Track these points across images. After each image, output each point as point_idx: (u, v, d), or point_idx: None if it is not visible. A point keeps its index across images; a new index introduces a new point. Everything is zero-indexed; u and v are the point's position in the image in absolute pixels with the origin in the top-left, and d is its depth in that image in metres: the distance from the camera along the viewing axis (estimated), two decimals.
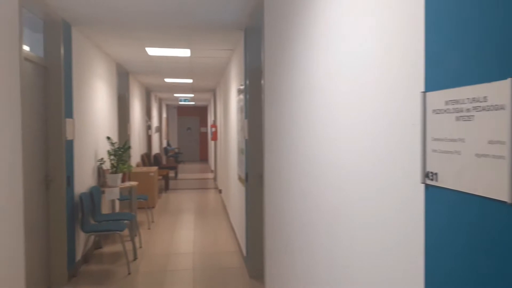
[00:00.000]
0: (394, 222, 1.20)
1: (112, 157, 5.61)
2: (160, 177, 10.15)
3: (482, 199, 0.79)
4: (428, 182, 0.97)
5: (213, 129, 11.03)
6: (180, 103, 16.68)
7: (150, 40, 5.39)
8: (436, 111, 0.91)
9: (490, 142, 0.77)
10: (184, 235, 6.20)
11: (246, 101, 4.50)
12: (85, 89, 5.08)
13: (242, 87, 5.01)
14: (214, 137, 10.98)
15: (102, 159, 5.55)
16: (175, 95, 13.93)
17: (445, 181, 0.90)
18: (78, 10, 4.00)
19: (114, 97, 6.91)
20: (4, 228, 2.82)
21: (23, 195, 3.15)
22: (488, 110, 0.76)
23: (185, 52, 6.11)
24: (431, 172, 0.95)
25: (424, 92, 0.97)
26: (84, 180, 4.96)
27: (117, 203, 6.71)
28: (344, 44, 1.62)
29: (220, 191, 10.00)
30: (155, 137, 13.66)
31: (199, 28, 4.74)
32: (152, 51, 5.97)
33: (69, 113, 4.39)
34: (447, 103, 0.88)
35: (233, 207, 6.42)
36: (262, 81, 3.63)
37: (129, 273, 4.50)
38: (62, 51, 4.11)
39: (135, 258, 5.00)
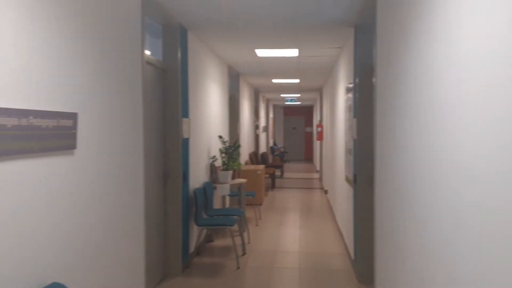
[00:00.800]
0: None
1: (223, 155, 5.85)
2: (267, 175, 10.35)
3: None
4: None
5: (319, 129, 10.89)
6: (286, 103, 16.84)
7: (260, 42, 5.49)
8: None
9: None
10: (290, 233, 6.22)
11: (355, 100, 4.32)
12: (200, 90, 5.38)
13: (350, 86, 4.83)
14: (320, 137, 10.84)
15: (214, 156, 5.83)
16: (282, 95, 14.09)
17: None
18: (194, 15, 4.23)
19: (226, 98, 7.22)
20: (127, 220, 3.09)
21: (144, 189, 3.42)
22: None
23: (293, 52, 6.11)
24: None
25: None
26: (198, 176, 5.25)
27: (227, 198, 6.99)
28: (478, 33, 1.42)
29: (325, 192, 9.83)
30: (262, 137, 14.00)
31: (308, 28, 4.69)
32: (261, 52, 6.09)
33: (185, 113, 4.67)
34: None
35: (340, 208, 6.25)
36: (373, 79, 3.44)
37: (238, 268, 4.63)
38: (179, 54, 4.39)
39: (243, 253, 5.14)
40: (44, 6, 2.06)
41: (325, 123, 9.73)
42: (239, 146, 6.00)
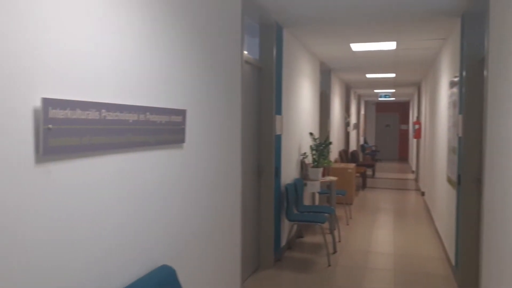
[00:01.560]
0: None
1: (314, 152, 5.84)
2: (358, 174, 10.08)
3: None
4: None
5: (416, 126, 10.31)
6: (380, 99, 16.21)
7: (355, 36, 5.37)
8: None
9: None
10: (383, 234, 6.00)
11: (462, 95, 4.02)
12: (292, 87, 5.42)
13: (456, 79, 4.50)
14: (417, 135, 10.26)
15: (305, 153, 5.84)
16: (375, 90, 13.59)
17: None
18: (290, 12, 4.27)
19: (317, 95, 7.18)
20: (226, 211, 3.24)
21: (241, 183, 3.56)
22: None
23: (390, 45, 5.87)
24: None
25: None
26: (289, 172, 5.31)
27: (316, 196, 6.96)
28: None
29: (422, 193, 9.30)
30: (352, 134, 13.65)
31: (408, 19, 4.47)
32: (356, 46, 5.94)
33: (279, 110, 4.75)
34: None
35: (439, 211, 5.86)
36: (485, 72, 3.17)
37: (329, 265, 4.60)
38: (274, 52, 4.47)
39: (334, 251, 5.09)
40: (157, 12, 2.24)
41: (424, 120, 9.19)
42: (330, 143, 5.93)
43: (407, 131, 18.94)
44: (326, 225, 6.16)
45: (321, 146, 5.77)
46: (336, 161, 9.53)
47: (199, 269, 2.77)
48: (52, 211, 1.54)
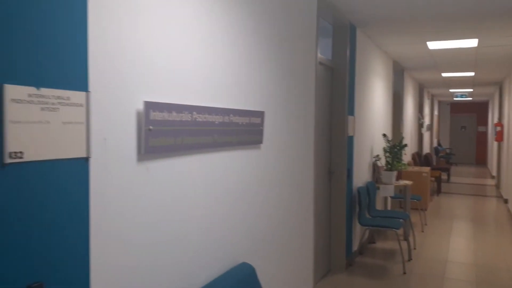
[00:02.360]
0: None
1: (387, 154, 5.66)
2: (432, 179, 9.60)
3: None
4: None
5: (498, 128, 9.61)
6: (455, 99, 15.31)
7: (432, 34, 5.13)
8: None
9: None
10: (461, 243, 5.66)
11: None
12: (365, 87, 5.30)
13: None
14: (499, 137, 9.55)
15: (377, 155, 5.68)
16: (451, 90, 12.86)
17: None
18: (364, 12, 4.19)
19: (390, 95, 6.95)
20: (299, 213, 3.25)
21: (313, 185, 3.55)
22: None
23: (471, 43, 5.53)
24: None
25: None
26: (360, 175, 5.20)
27: (388, 200, 6.74)
28: None
29: (505, 201, 8.64)
30: (426, 136, 13.03)
31: (492, 14, 4.19)
32: (434, 44, 5.68)
33: (351, 111, 4.67)
34: None
35: None
36: None
37: (404, 273, 4.44)
38: (348, 52, 4.41)
39: (409, 259, 4.90)
40: (239, 20, 2.31)
41: (507, 121, 8.54)
42: (405, 145, 5.72)
43: (485, 133, 17.69)
44: (400, 231, 5.94)
45: (396, 148, 5.58)
46: (409, 164, 9.16)
47: (274, 268, 2.81)
48: (148, 208, 1.65)
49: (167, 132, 1.69)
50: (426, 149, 13.41)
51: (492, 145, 13.51)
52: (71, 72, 1.28)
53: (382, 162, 6.13)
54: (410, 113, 9.54)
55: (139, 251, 1.59)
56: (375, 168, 5.81)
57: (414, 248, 5.35)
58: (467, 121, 18.47)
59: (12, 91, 1.10)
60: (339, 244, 4.50)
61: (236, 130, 2.25)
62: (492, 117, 13.73)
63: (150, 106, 1.58)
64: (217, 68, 2.10)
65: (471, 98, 15.90)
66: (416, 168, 8.21)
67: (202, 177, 2.00)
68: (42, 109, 1.17)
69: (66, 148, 1.25)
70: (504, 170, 9.06)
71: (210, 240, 2.07)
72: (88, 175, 1.35)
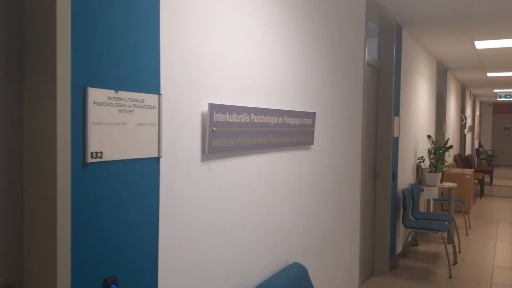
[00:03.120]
0: None
1: (432, 155, 5.50)
2: (475, 181, 9.26)
3: None
4: None
5: None
6: (499, 99, 14.70)
7: (481, 33, 4.95)
8: None
9: None
10: (507, 247, 5.44)
11: None
12: (410, 88, 5.18)
13: None
14: None
15: (422, 157, 5.54)
16: (495, 90, 12.37)
17: None
18: (413, 12, 4.09)
19: (433, 95, 6.77)
20: (347, 214, 3.21)
21: (361, 186, 3.50)
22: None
23: None
24: None
25: None
26: (404, 177, 5.08)
27: (431, 203, 6.56)
28: None
29: None
30: (467, 137, 12.59)
31: None
32: (482, 44, 5.48)
33: (397, 112, 4.57)
34: None
35: None
36: None
37: (450, 277, 4.31)
38: (394, 52, 4.32)
39: (455, 262, 4.75)
40: (293, 25, 2.31)
41: None
42: (450, 147, 5.54)
43: None
44: (444, 234, 5.77)
45: (441, 149, 5.42)
46: (452, 166, 8.88)
47: (322, 268, 2.79)
48: (209, 206, 1.67)
49: (228, 133, 1.71)
50: (468, 150, 12.97)
51: None
52: (145, 76, 1.32)
53: (425, 164, 5.97)
54: (452, 113, 9.25)
55: (201, 247, 1.62)
56: (418, 169, 5.67)
57: (459, 252, 5.19)
58: (511, 121, 17.71)
59: (94, 94, 1.14)
60: (383, 246, 4.42)
61: (289, 131, 2.25)
62: None
63: (214, 108, 1.60)
64: (272, 70, 2.10)
65: None
66: (459, 170, 7.95)
67: (257, 178, 2.01)
68: (120, 111, 1.22)
69: (140, 149, 1.28)
70: None
71: (265, 239, 2.08)
72: (159, 175, 1.39)
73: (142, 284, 1.34)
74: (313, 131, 2.53)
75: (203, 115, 1.59)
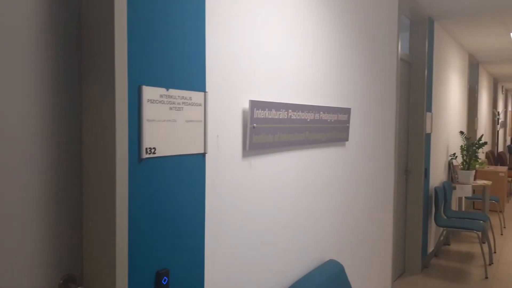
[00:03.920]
0: None
1: (464, 152, 5.38)
2: (509, 179, 9.00)
3: None
4: None
5: None
6: None
7: None
8: None
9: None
10: None
11: None
12: (442, 82, 5.08)
13: None
14: None
15: (454, 154, 5.43)
16: None
17: None
18: (444, 5, 4.02)
19: (465, 90, 6.61)
20: (381, 211, 3.19)
21: (395, 185, 3.47)
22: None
23: None
24: None
25: None
26: (437, 174, 4.99)
27: (463, 201, 6.42)
28: None
29: None
30: (500, 133, 12.23)
31: None
32: None
33: (429, 107, 4.50)
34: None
35: None
36: None
37: (486, 277, 4.22)
38: (426, 46, 4.25)
39: (490, 263, 4.64)
40: (328, 23, 2.31)
41: None
42: (485, 143, 5.40)
43: None
44: (478, 233, 5.64)
45: (474, 146, 5.29)
46: (485, 163, 8.65)
47: (356, 265, 2.79)
48: (250, 202, 1.70)
49: (267, 129, 1.74)
50: (500, 147, 12.60)
51: None
52: (193, 74, 1.35)
53: (458, 161, 5.85)
54: (484, 109, 9.01)
55: (241, 242, 1.65)
56: (450, 167, 5.56)
57: (495, 252, 5.06)
58: None
59: (148, 92, 1.19)
60: (415, 245, 4.36)
61: (325, 127, 2.26)
62: None
63: (254, 104, 1.63)
64: (308, 66, 2.11)
65: None
66: (492, 168, 7.74)
67: (294, 175, 2.03)
68: (170, 108, 1.26)
69: (188, 145, 1.32)
70: None
71: (301, 235, 2.10)
72: (205, 170, 1.42)
73: (190, 278, 1.38)
74: (348, 127, 2.52)
75: (244, 112, 1.62)
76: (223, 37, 1.50)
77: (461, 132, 5.61)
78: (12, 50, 1.01)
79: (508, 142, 15.62)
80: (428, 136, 4.53)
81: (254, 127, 1.64)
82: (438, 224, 4.55)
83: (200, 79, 1.39)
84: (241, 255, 1.65)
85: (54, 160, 1.10)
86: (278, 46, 1.84)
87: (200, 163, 1.39)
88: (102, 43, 1.10)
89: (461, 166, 5.43)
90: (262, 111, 1.69)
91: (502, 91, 12.74)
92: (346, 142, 2.58)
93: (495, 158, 10.36)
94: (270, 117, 1.75)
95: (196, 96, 1.36)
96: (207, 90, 1.43)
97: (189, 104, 1.33)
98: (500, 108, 12.36)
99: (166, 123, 1.24)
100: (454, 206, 5.99)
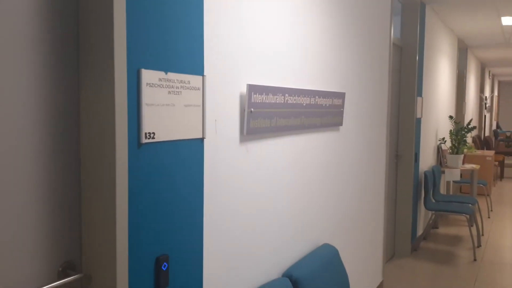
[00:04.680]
0: None
1: (453, 137, 5.44)
2: (496, 163, 9.15)
3: None
4: None
5: None
6: None
7: (508, 8, 4.82)
8: None
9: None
10: None
11: None
12: (432, 67, 5.10)
13: None
14: None
15: (443, 138, 5.49)
16: None
17: None
18: None
19: (454, 75, 6.65)
20: (372, 196, 3.22)
21: (386, 169, 3.49)
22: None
23: None
24: None
25: None
26: (426, 159, 5.05)
27: (451, 185, 6.52)
28: None
29: None
30: (486, 118, 12.39)
31: None
32: (509, 20, 5.34)
33: (420, 92, 4.52)
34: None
35: None
36: None
37: (474, 260, 4.31)
38: (418, 31, 4.24)
39: (478, 245, 4.74)
40: (324, 6, 2.28)
41: None
42: (474, 127, 5.47)
43: None
44: (467, 216, 5.75)
45: (463, 130, 5.35)
46: (473, 148, 8.78)
47: (349, 249, 2.81)
48: (247, 186, 1.69)
49: (265, 114, 1.72)
50: (486, 131, 12.78)
51: None
52: (191, 57, 1.32)
53: (446, 145, 5.92)
54: (472, 93, 9.10)
55: (238, 226, 1.65)
56: (439, 151, 5.62)
57: (482, 234, 5.17)
58: None
59: (147, 75, 1.16)
60: (405, 229, 4.42)
61: (320, 112, 2.25)
62: None
63: (252, 88, 1.61)
64: (303, 50, 2.09)
65: None
66: (479, 152, 7.86)
67: (290, 159, 2.02)
68: (169, 92, 1.23)
69: (187, 129, 1.30)
70: None
71: (297, 220, 2.11)
72: (203, 155, 1.40)
73: (189, 263, 1.37)
74: (342, 112, 2.52)
75: (241, 96, 1.60)
76: (221, 20, 1.47)
77: (450, 117, 5.66)
78: (5, 36, 0.97)
79: (494, 127, 15.87)
80: (419, 121, 4.56)
81: (251, 111, 1.62)
82: (427, 208, 4.61)
83: (198, 62, 1.36)
84: (238, 240, 1.64)
85: (52, 146, 1.07)
86: (274, 31, 1.81)
87: (198, 148, 1.38)
88: (101, 25, 1.06)
89: (450, 151, 5.50)
90: (260, 96, 1.67)
91: (489, 76, 12.87)
92: (340, 127, 2.58)
93: (481, 142, 10.52)
94: (267, 101, 1.73)
95: (195, 80, 1.33)
96: (205, 74, 1.40)
97: (188, 88, 1.30)
98: (487, 93, 12.50)
99: (165, 108, 1.22)
100: (442, 190, 6.08)
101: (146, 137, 1.16)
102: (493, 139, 14.56)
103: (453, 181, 6.37)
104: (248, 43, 1.63)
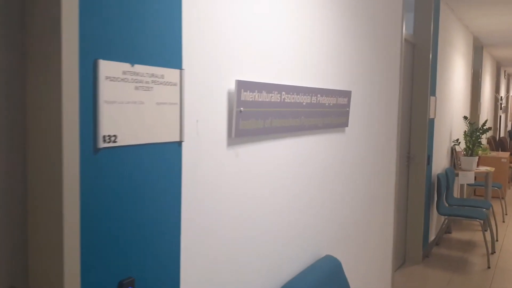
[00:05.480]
0: None
1: (468, 138, 5.19)
2: (511, 165, 8.83)
3: None
4: None
5: None
6: None
7: None
8: None
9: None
10: None
11: None
12: (446, 65, 4.86)
13: None
14: None
15: (457, 140, 5.24)
16: None
17: None
18: None
19: (469, 74, 6.39)
20: (380, 201, 3.01)
21: (396, 172, 3.28)
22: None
23: None
24: None
25: None
26: (439, 161, 4.81)
27: (464, 188, 6.26)
28: None
29: None
30: (501, 118, 12.04)
31: None
32: None
33: (433, 91, 4.29)
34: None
35: None
36: None
37: (488, 267, 4.07)
38: (431, 27, 4.01)
39: (493, 252, 4.50)
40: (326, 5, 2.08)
41: None
42: (489, 128, 5.21)
43: None
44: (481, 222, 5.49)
45: (478, 131, 5.10)
46: (488, 149, 8.48)
47: (354, 259, 2.62)
48: (236, 198, 1.51)
49: (257, 114, 1.53)
50: (502, 132, 12.42)
51: None
52: (165, 47, 1.14)
53: (460, 147, 5.66)
54: (487, 93, 8.79)
55: (227, 241, 1.46)
56: (453, 153, 5.37)
57: (497, 240, 4.92)
58: None
59: (107, 67, 0.98)
60: (416, 234, 4.20)
61: (322, 112, 2.05)
62: None
63: (241, 85, 1.42)
64: (305, 44, 1.90)
65: None
66: (494, 154, 7.56)
67: (288, 164, 1.84)
68: (136, 88, 1.05)
69: (160, 132, 1.12)
70: None
71: (295, 231, 1.92)
72: (181, 161, 1.22)
73: (162, 284, 1.19)
74: (348, 112, 2.32)
75: (229, 94, 1.42)
76: (205, 3, 1.29)
77: (465, 117, 5.41)
78: None
79: (509, 128, 15.45)
80: (432, 122, 4.33)
81: (241, 111, 1.43)
82: (440, 212, 4.38)
83: (175, 53, 1.18)
84: (225, 257, 1.46)
85: None
86: (271, 20, 1.62)
87: (175, 153, 1.19)
88: (47, 7, 0.89)
89: (464, 152, 5.25)
90: (251, 93, 1.48)
91: (504, 75, 12.51)
92: (346, 128, 2.38)
93: (496, 143, 10.18)
94: (260, 100, 1.54)
95: (170, 73, 1.15)
96: (183, 67, 1.22)
97: (161, 84, 1.12)
98: (502, 93, 12.15)
99: (131, 106, 1.04)
100: (456, 194, 5.83)
101: (104, 141, 0.98)
102: (508, 140, 14.17)
103: (467, 184, 6.11)
104: (238, 32, 1.45)
